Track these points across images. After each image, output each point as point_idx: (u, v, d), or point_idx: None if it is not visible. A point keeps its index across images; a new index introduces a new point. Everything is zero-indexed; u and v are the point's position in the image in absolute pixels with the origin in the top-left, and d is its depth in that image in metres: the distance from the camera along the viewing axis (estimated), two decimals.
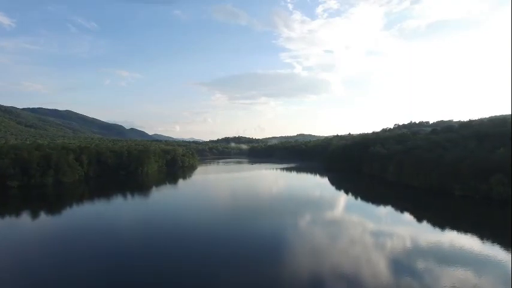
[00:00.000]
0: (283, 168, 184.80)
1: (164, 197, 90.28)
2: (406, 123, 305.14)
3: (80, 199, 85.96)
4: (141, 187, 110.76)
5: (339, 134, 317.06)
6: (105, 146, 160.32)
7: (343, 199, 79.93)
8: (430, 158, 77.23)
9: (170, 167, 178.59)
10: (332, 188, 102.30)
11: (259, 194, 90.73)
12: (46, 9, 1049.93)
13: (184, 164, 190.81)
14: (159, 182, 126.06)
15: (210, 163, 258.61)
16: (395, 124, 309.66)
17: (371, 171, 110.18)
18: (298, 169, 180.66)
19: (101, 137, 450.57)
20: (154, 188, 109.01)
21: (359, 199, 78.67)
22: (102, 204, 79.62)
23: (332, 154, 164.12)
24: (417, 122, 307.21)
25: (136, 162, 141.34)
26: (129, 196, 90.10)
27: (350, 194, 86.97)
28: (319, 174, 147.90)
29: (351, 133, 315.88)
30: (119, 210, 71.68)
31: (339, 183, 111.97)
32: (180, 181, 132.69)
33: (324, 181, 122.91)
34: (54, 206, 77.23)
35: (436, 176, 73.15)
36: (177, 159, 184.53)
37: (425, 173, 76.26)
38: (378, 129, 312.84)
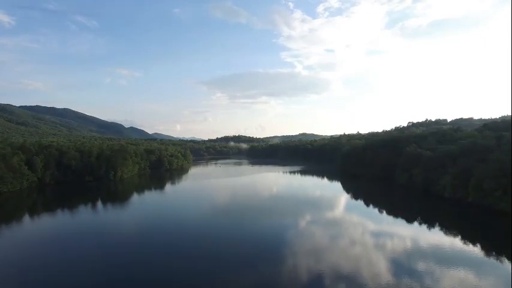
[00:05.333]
0: (288, 172, 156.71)
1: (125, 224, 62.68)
2: (421, 121, 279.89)
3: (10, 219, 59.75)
4: (108, 199, 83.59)
5: (346, 133, 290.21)
6: (72, 144, 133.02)
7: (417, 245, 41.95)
8: None
9: (155, 169, 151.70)
10: (381, 217, 60.79)
11: (265, 228, 58.31)
12: (46, 7, 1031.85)
13: (172, 165, 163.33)
14: (135, 191, 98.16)
15: (205, 164, 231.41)
16: (409, 122, 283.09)
17: (409, 180, 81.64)
18: (308, 173, 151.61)
19: (95, 135, 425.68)
20: (119, 203, 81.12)
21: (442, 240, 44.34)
22: (34, 229, 53.16)
23: (348, 156, 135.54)
24: (433, 120, 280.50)
25: (108, 164, 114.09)
26: (79, 215, 62.86)
27: (416, 224, 52.89)
28: (340, 183, 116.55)
29: (359, 132, 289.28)
30: (53, 241, 44.30)
31: (380, 202, 73.65)
32: (150, 193, 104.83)
33: (350, 197, 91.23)
34: None
35: None
36: (163, 160, 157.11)
37: None
38: (384, 128, 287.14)
